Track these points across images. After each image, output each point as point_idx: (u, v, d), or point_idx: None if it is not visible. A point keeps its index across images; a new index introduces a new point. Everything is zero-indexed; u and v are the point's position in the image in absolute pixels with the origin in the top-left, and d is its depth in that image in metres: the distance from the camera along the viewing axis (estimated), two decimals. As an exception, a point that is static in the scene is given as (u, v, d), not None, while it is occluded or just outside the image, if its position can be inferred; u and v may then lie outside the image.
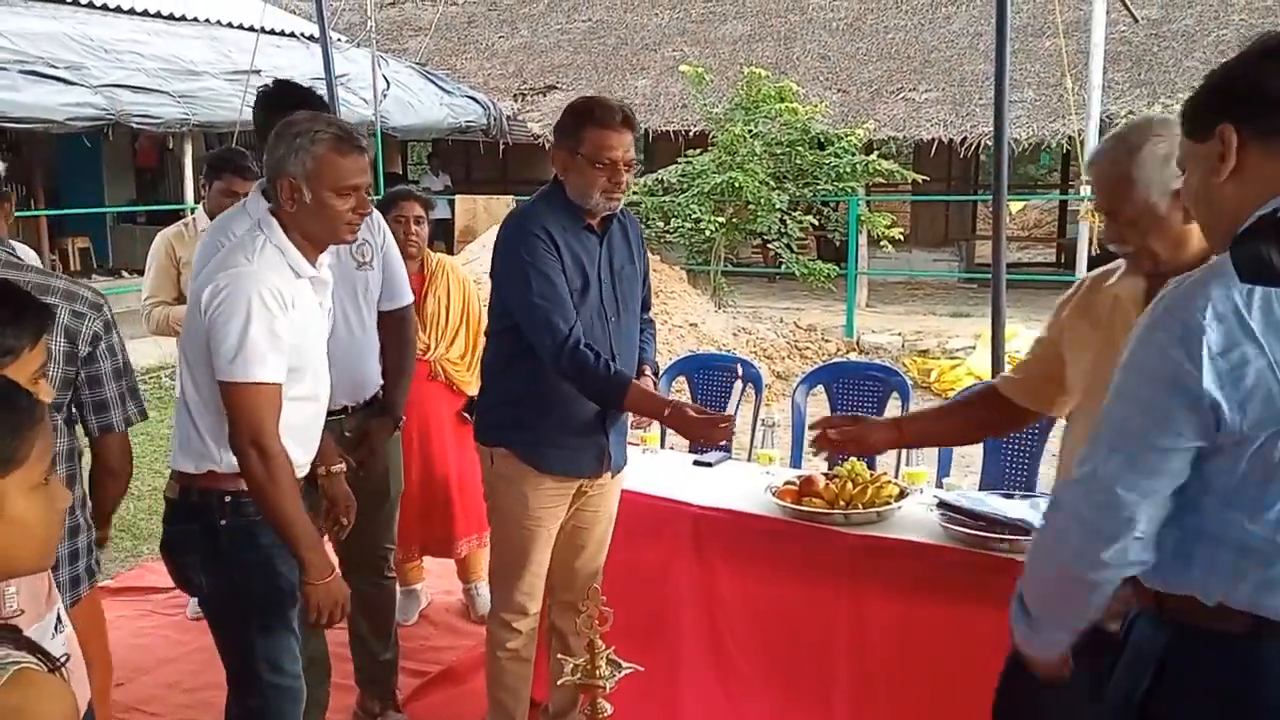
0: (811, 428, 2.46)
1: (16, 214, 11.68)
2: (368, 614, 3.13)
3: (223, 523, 2.20)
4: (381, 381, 2.98)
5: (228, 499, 2.19)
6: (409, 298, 3.07)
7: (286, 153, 2.16)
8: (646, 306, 2.90)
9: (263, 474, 2.10)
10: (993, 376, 4.19)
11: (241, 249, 2.18)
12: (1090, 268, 9.67)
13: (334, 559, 3.07)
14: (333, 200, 2.17)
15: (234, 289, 2.10)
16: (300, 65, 11.48)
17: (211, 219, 2.91)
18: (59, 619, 1.63)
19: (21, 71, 9.08)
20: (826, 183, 11.28)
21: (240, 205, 2.74)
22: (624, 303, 2.68)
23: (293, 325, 2.15)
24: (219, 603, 2.29)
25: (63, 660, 1.20)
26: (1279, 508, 1.36)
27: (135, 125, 9.95)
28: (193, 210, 8.50)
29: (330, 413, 2.52)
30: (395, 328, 3.00)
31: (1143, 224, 1.83)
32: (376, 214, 2.89)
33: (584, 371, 2.48)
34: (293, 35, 12.70)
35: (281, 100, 2.73)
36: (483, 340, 3.69)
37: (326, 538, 2.71)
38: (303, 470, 2.34)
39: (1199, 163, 1.48)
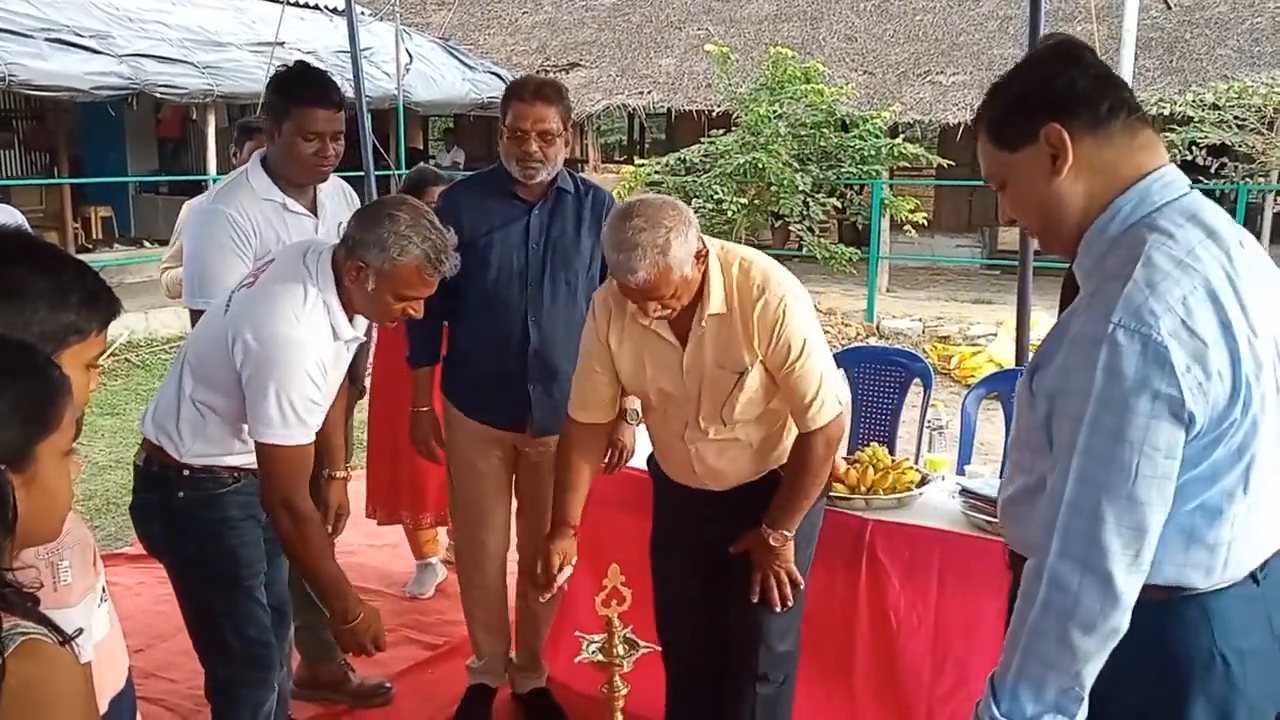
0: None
1: (40, 181, 11.58)
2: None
3: (180, 495, 2.23)
4: None
5: (186, 473, 2.23)
6: None
7: (374, 243, 2.14)
8: None
9: (293, 534, 2.15)
10: (1016, 364, 4.17)
11: (290, 299, 2.14)
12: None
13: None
14: (390, 300, 2.20)
15: (280, 358, 2.09)
16: (324, 38, 11.47)
17: None
18: (103, 589, 1.63)
19: (48, 39, 9.11)
20: (850, 165, 11.20)
21: (241, 172, 2.73)
22: (553, 272, 2.76)
23: (327, 386, 2.20)
24: (180, 572, 2.32)
25: (75, 634, 1.19)
26: (1201, 498, 1.40)
27: (159, 95, 9.97)
28: (215, 180, 8.53)
29: None
30: None
31: (680, 292, 2.20)
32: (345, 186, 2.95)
33: (409, 328, 2.80)
34: (317, 8, 12.69)
35: (300, 90, 2.62)
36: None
37: None
38: None
39: (1024, 169, 1.48)
